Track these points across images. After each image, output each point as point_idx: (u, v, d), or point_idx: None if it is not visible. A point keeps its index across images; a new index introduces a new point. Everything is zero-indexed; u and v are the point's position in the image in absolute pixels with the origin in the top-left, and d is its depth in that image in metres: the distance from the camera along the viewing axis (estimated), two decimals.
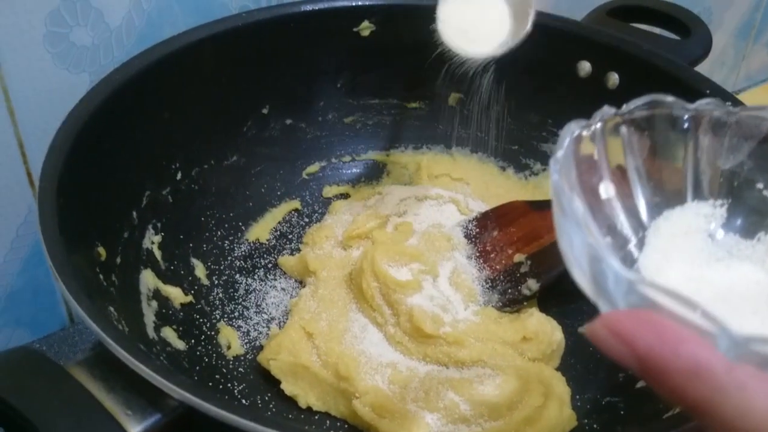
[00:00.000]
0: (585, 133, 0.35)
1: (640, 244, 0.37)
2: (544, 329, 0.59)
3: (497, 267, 0.63)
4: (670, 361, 0.27)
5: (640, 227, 0.38)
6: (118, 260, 0.56)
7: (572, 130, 0.35)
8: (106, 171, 0.56)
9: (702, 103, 0.37)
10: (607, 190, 0.37)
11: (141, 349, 0.38)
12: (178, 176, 0.66)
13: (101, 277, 0.52)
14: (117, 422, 0.36)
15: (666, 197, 0.38)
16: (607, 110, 0.37)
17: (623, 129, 0.37)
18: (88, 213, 0.53)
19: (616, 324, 0.28)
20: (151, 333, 0.56)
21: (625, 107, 0.37)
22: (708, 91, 0.62)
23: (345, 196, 0.76)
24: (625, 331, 0.27)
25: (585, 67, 0.70)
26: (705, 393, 0.26)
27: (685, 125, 0.37)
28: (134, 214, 0.60)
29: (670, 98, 0.37)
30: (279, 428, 0.35)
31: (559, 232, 0.32)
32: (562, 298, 0.65)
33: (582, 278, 0.31)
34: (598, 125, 0.36)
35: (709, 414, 0.26)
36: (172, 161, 0.66)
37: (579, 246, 0.30)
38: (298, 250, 0.70)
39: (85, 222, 0.52)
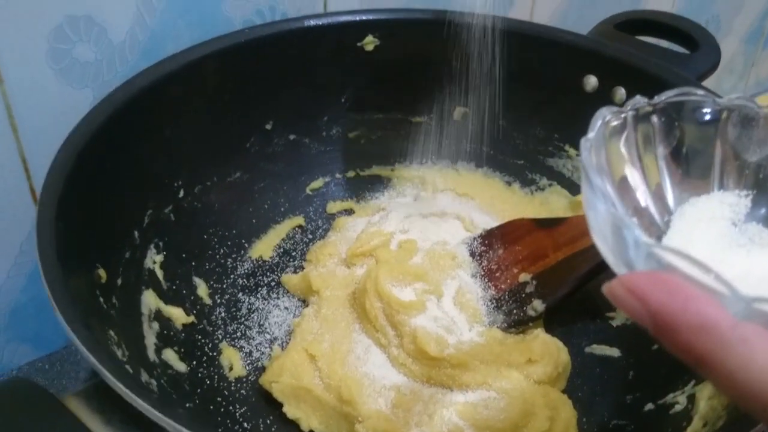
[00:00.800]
0: (616, 120, 0.38)
1: (665, 227, 0.39)
2: (549, 351, 0.58)
3: (502, 286, 0.62)
4: (679, 316, 0.29)
5: (666, 212, 0.40)
6: (119, 281, 0.55)
7: (604, 114, 0.37)
8: (108, 191, 0.56)
9: (732, 98, 0.39)
10: (633, 174, 0.39)
11: (138, 381, 0.38)
12: (181, 194, 0.66)
13: (101, 299, 0.51)
14: None
15: (692, 185, 0.40)
16: (640, 99, 0.39)
17: (654, 118, 0.39)
18: (89, 234, 0.52)
19: (632, 283, 0.30)
20: (152, 355, 0.55)
21: (656, 98, 0.39)
22: None
23: (349, 211, 0.76)
24: (639, 289, 0.30)
25: (591, 81, 0.70)
26: (710, 346, 0.28)
27: (715, 118, 0.39)
28: (136, 233, 0.60)
29: (701, 91, 0.39)
30: None
31: (586, 205, 0.35)
32: (567, 317, 0.64)
33: (604, 247, 0.34)
34: (630, 113, 0.39)
35: (714, 367, 0.28)
36: (175, 179, 0.65)
37: (603, 215, 0.33)
38: (302, 267, 0.69)
39: (86, 244, 0.52)
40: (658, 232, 0.39)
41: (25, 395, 0.38)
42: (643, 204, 0.39)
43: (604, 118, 0.37)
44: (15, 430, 0.36)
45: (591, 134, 0.36)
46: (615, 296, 0.31)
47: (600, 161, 0.37)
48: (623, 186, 0.39)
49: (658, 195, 0.40)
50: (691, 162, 0.40)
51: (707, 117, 0.39)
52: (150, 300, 0.59)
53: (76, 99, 0.64)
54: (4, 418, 0.36)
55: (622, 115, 0.38)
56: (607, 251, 0.34)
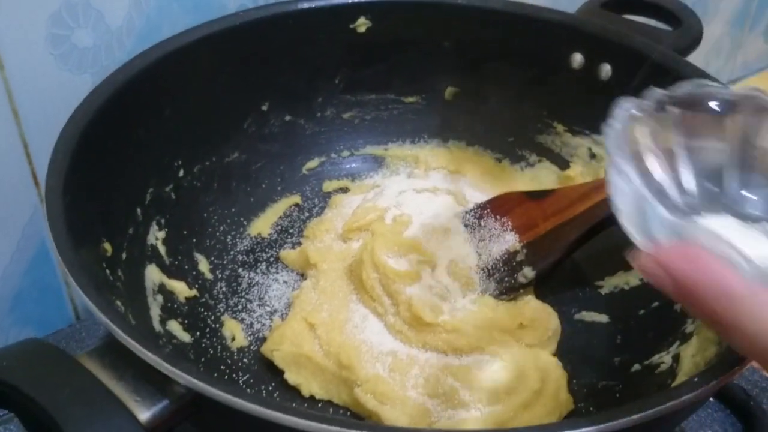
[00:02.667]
0: (637, 111, 0.40)
1: (685, 208, 0.42)
2: (540, 316, 0.60)
3: (494, 256, 0.64)
4: (700, 282, 0.32)
5: (684, 195, 0.41)
6: (124, 256, 0.57)
7: (626, 106, 0.40)
8: (110, 169, 0.58)
9: (747, 89, 0.42)
10: (653, 161, 0.41)
11: (148, 338, 0.40)
12: (181, 173, 0.67)
13: (108, 272, 0.53)
14: (126, 408, 0.38)
15: (710, 175, 0.42)
16: (658, 91, 0.41)
17: (672, 108, 0.41)
18: (94, 210, 0.54)
19: (656, 253, 0.34)
20: (157, 326, 0.57)
21: (671, 89, 0.42)
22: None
23: (344, 190, 0.77)
24: (663, 258, 0.33)
25: (578, 58, 0.71)
26: (728, 309, 0.31)
27: (729, 108, 0.41)
28: (138, 210, 0.61)
29: (715, 83, 0.42)
30: (284, 411, 0.36)
31: (612, 189, 0.38)
32: (558, 285, 0.66)
33: (629, 225, 0.38)
34: (650, 103, 0.41)
35: (731, 327, 0.32)
36: (175, 159, 0.67)
37: (629, 196, 0.37)
38: (299, 243, 0.71)
39: (91, 219, 0.53)
40: (676, 212, 0.41)
41: (42, 354, 0.40)
42: (665, 187, 0.41)
43: (626, 109, 0.40)
44: (35, 386, 0.37)
45: (615, 123, 0.39)
46: (641, 265, 0.35)
47: (623, 148, 0.40)
48: (645, 171, 0.41)
49: (676, 180, 0.41)
50: (705, 151, 0.42)
51: (720, 107, 0.41)
52: (153, 274, 0.60)
53: (76, 84, 0.65)
54: (21, 375, 0.38)
55: (643, 107, 0.41)
56: (632, 228, 0.38)
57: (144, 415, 0.39)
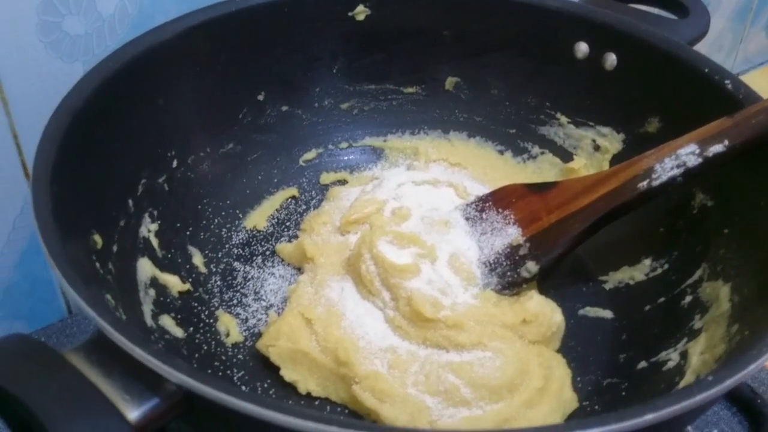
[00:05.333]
0: None
1: None
2: (543, 311, 0.58)
3: (496, 250, 0.62)
4: None
5: None
6: (115, 248, 0.55)
7: None
8: (101, 159, 0.56)
9: None
10: None
11: (138, 334, 0.38)
12: (174, 164, 0.66)
13: (98, 265, 0.51)
14: (114, 407, 0.36)
15: None
16: None
17: None
18: (83, 201, 0.52)
19: None
20: (149, 321, 0.55)
21: None
22: (707, 70, 0.62)
23: (343, 182, 0.76)
24: None
25: (582, 48, 0.70)
26: None
27: None
28: (130, 202, 0.59)
29: None
30: (279, 410, 0.35)
31: None
32: (561, 280, 0.65)
33: None
34: None
35: None
36: (168, 149, 0.65)
37: None
38: (296, 237, 0.70)
39: (81, 210, 0.52)
40: None
41: (28, 350, 0.38)
42: None
43: None
44: (19, 384, 0.36)
45: None
46: None
47: None
48: None
49: None
50: None
51: None
52: (146, 267, 0.59)
53: (67, 73, 0.64)
54: (7, 373, 0.36)
55: None
56: None
57: (133, 413, 0.37)
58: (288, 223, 0.72)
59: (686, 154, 0.56)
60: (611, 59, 0.68)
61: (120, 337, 0.37)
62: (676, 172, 0.56)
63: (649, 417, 0.35)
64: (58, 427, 0.34)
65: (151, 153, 0.63)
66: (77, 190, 0.52)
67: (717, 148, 0.55)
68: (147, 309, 0.56)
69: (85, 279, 0.43)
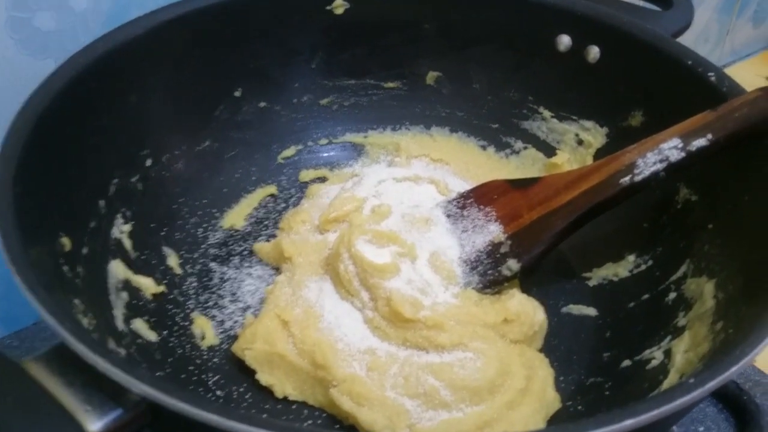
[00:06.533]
0: None
1: None
2: (525, 310, 0.57)
3: (477, 247, 0.61)
4: None
5: None
6: (85, 251, 0.54)
7: None
8: (70, 158, 0.54)
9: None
10: None
11: (98, 342, 0.37)
12: (148, 163, 0.64)
13: (65, 268, 0.50)
14: (73, 418, 0.35)
15: None
16: None
17: None
18: (51, 202, 0.51)
19: None
20: (120, 325, 0.54)
21: None
22: (690, 62, 0.61)
23: (323, 179, 0.74)
24: None
25: (564, 41, 0.69)
26: None
27: None
28: (101, 203, 0.58)
29: None
30: (246, 422, 0.33)
31: None
32: (544, 277, 0.64)
33: None
34: None
35: None
36: (141, 147, 0.64)
37: None
38: (275, 235, 0.68)
39: (48, 211, 0.50)
40: None
41: None
42: None
43: None
44: None
45: None
46: None
47: None
48: None
49: None
50: None
51: None
52: (118, 270, 0.57)
53: (38, 70, 0.61)
54: None
55: None
56: None
57: (94, 425, 0.36)
58: (266, 222, 0.71)
59: (669, 148, 0.55)
60: (594, 52, 0.67)
61: (80, 347, 0.36)
62: (659, 166, 0.55)
63: (629, 422, 0.34)
64: None
65: (124, 152, 0.62)
66: (44, 190, 0.50)
67: (700, 142, 0.54)
68: (119, 313, 0.55)
69: (48, 284, 0.42)
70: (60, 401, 0.35)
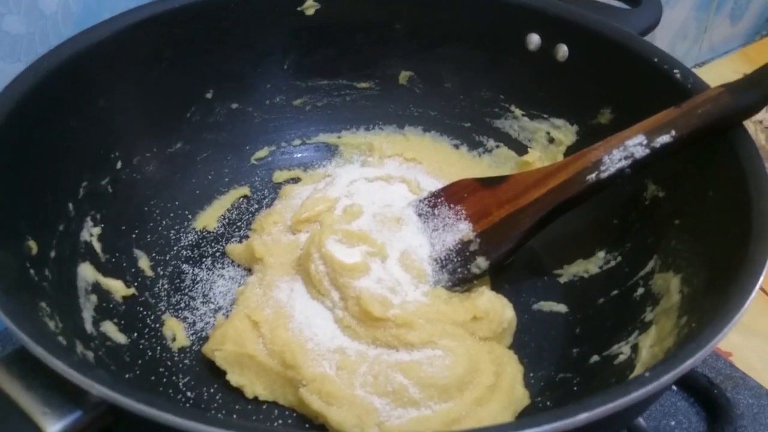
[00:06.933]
0: None
1: None
2: (494, 307, 0.57)
3: (447, 246, 0.61)
4: None
5: None
6: (53, 254, 0.54)
7: None
8: (36, 162, 0.54)
9: None
10: None
11: (60, 345, 0.37)
12: (118, 165, 0.64)
13: (32, 272, 0.50)
14: (31, 420, 0.35)
15: None
16: None
17: None
18: (16, 205, 0.51)
19: None
20: (89, 328, 0.54)
21: None
22: (656, 60, 0.61)
23: (296, 180, 0.74)
24: None
25: (534, 39, 0.69)
26: None
27: None
28: (70, 205, 0.58)
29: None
30: (202, 421, 0.34)
31: None
32: (516, 274, 0.64)
33: None
34: None
35: None
36: (111, 150, 0.63)
37: None
38: (248, 237, 0.68)
39: (13, 214, 0.50)
40: None
41: None
42: None
43: None
44: None
45: None
46: None
47: None
48: None
49: None
50: None
51: None
52: (87, 272, 0.57)
53: (8, 74, 0.60)
54: None
55: None
56: None
57: (53, 427, 0.36)
58: (239, 224, 0.70)
59: (634, 145, 0.55)
60: (563, 50, 0.68)
61: (38, 349, 0.36)
62: (624, 163, 0.56)
63: (583, 416, 0.34)
64: None
65: (93, 155, 0.62)
66: (9, 194, 0.50)
67: (664, 139, 0.55)
68: (87, 315, 0.55)
69: (10, 287, 0.42)
70: (18, 403, 0.35)
